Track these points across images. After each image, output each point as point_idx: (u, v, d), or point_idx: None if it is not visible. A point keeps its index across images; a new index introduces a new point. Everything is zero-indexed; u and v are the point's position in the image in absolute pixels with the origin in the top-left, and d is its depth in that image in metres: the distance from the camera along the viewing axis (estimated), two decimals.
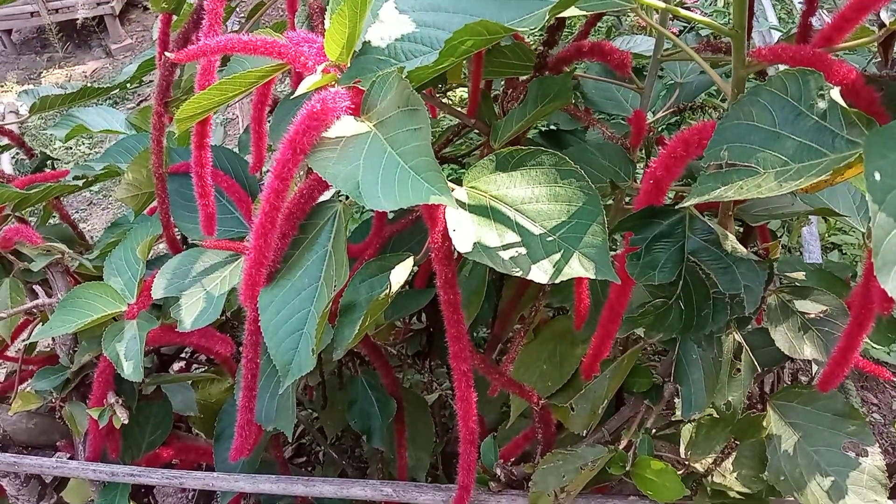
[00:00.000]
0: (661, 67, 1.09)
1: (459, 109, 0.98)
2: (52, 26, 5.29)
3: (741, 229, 1.07)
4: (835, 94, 0.53)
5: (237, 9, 1.14)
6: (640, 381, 0.83)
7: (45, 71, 5.61)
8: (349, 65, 0.62)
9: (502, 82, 1.15)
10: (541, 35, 0.94)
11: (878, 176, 0.39)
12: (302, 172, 0.76)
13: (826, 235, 2.45)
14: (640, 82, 1.02)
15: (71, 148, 4.42)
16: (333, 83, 0.62)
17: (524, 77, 0.99)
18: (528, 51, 0.97)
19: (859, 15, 0.58)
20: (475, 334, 1.66)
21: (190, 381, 1.23)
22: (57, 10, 5.57)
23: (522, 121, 0.84)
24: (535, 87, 0.86)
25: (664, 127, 2.42)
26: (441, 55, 0.54)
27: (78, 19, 5.38)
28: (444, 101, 1.84)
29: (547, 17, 0.53)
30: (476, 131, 1.08)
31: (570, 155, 0.83)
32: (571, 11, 0.63)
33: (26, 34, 6.11)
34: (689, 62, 1.08)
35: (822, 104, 0.54)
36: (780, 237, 2.09)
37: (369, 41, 0.62)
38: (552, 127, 1.21)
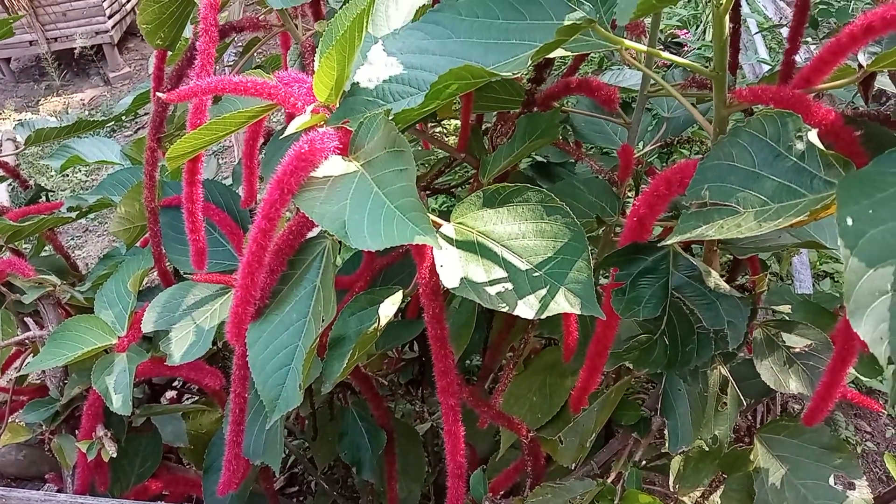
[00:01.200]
0: (649, 102, 1.11)
1: (449, 144, 0.99)
2: (48, 55, 5.33)
3: (731, 260, 1.08)
4: (812, 136, 0.54)
5: (233, 42, 1.15)
6: (629, 413, 0.83)
7: (43, 99, 5.65)
8: (338, 105, 0.63)
9: (494, 114, 1.17)
10: (530, 73, 0.96)
11: (850, 221, 0.40)
12: (294, 207, 0.77)
13: (817, 264, 2.47)
14: (629, 116, 1.03)
15: (67, 175, 4.43)
16: (322, 123, 0.63)
17: (515, 111, 1.00)
18: (518, 86, 0.99)
19: (836, 58, 0.59)
20: (468, 363, 1.67)
21: (180, 412, 1.23)
22: (56, 39, 5.62)
23: (511, 156, 0.85)
24: (524, 124, 0.87)
25: (656, 156, 2.45)
26: (427, 98, 0.55)
27: (76, 48, 5.42)
28: (438, 129, 1.86)
29: (529, 62, 0.54)
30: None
31: (557, 190, 0.85)
32: (557, 52, 0.65)
33: (25, 62, 6.16)
34: (686, 96, 1.10)
35: (800, 145, 0.55)
36: (770, 267, 2.10)
37: (358, 82, 0.63)
38: (543, 159, 1.23)
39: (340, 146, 0.60)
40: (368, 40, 0.70)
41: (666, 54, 0.62)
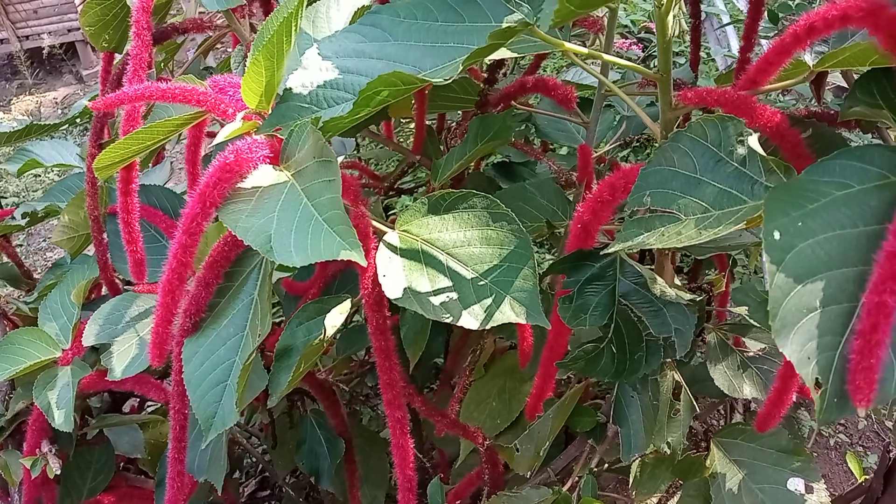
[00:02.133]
0: (610, 100, 1.09)
1: (405, 146, 0.97)
2: (20, 54, 5.24)
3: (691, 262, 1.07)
4: (752, 140, 0.53)
5: (185, 45, 1.12)
6: (585, 419, 0.82)
7: (15, 98, 5.55)
8: (270, 112, 0.61)
9: (459, 114, 1.15)
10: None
11: (777, 234, 0.38)
12: None
13: None
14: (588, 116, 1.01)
15: (39, 175, 4.36)
16: (255, 130, 0.61)
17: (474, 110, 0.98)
18: (476, 85, 0.97)
19: (781, 59, 0.58)
20: (436, 363, 1.65)
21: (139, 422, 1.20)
22: (27, 37, 5.53)
23: (462, 159, 0.83)
24: (476, 126, 0.85)
25: (630, 152, 2.43)
26: (356, 105, 0.53)
27: (45, 47, 5.34)
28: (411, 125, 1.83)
29: (460, 68, 0.52)
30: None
31: (509, 193, 0.84)
32: (500, 54, 0.63)
33: None
34: (635, 96, 1.08)
35: (741, 150, 0.54)
36: (737, 263, 2.09)
37: (290, 88, 0.60)
38: (504, 159, 1.21)
39: (271, 155, 0.58)
40: (308, 43, 0.68)
41: (607, 56, 0.60)
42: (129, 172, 0.70)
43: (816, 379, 0.37)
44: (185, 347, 0.67)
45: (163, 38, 0.86)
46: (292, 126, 0.57)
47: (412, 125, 1.09)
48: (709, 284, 0.88)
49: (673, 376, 0.74)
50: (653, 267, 0.76)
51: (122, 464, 1.20)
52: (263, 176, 0.57)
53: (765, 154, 0.51)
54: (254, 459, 1.49)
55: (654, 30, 2.88)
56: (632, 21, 3.19)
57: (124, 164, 0.65)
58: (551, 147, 1.35)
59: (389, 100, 0.55)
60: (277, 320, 0.93)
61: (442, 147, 1.07)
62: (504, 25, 0.51)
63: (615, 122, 1.26)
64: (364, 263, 0.48)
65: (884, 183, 0.40)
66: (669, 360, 0.67)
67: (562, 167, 0.98)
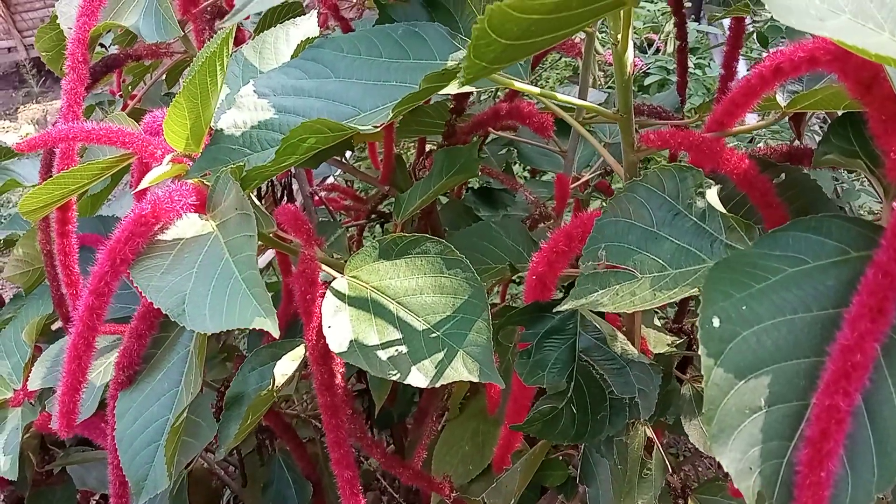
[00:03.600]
0: (590, 127, 1.05)
1: (372, 175, 0.93)
2: (27, 62, 5.26)
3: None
4: (711, 195, 0.48)
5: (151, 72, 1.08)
6: (555, 473, 0.77)
7: (21, 106, 5.57)
8: (200, 154, 0.57)
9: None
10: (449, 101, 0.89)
11: (716, 321, 0.34)
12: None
13: None
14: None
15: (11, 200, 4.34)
16: (184, 175, 0.56)
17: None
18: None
19: (749, 100, 0.53)
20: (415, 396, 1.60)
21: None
22: (34, 46, 5.54)
23: (427, 194, 0.79)
24: (441, 158, 0.80)
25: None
26: (279, 154, 0.49)
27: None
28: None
29: (390, 115, 0.48)
30: None
31: (473, 232, 0.79)
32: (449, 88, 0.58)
33: (4, 69, 6.09)
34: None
35: (700, 203, 0.49)
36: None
37: (221, 129, 0.56)
38: (485, 185, 1.17)
39: (197, 202, 0.53)
40: (254, 77, 0.64)
41: (562, 96, 0.56)
42: (65, 213, 0.67)
43: (759, 493, 0.32)
44: (119, 402, 0.63)
45: (116, 64, 0.82)
46: (218, 173, 0.53)
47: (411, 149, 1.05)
48: (691, 325, 0.83)
49: (644, 432, 0.69)
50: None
51: (92, 499, 1.17)
52: (187, 226, 0.53)
53: (724, 210, 0.47)
54: (231, 491, 1.45)
55: (657, 40, 2.82)
56: (635, 30, 3.13)
57: (52, 208, 0.61)
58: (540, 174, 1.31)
59: (319, 146, 0.51)
60: None
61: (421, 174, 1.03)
62: (441, 69, 0.47)
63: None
64: (276, 334, 0.43)
65: (842, 259, 0.35)
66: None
67: (538, 198, 0.93)
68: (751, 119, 0.79)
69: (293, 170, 1.19)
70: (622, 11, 0.45)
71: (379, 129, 0.49)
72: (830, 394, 0.32)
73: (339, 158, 0.94)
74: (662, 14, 2.93)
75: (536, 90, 0.54)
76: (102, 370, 0.79)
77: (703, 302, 0.34)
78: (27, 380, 0.85)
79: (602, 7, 0.33)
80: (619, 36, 0.51)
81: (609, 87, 1.13)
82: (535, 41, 0.34)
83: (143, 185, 0.54)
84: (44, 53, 0.91)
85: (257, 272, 0.46)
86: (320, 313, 0.61)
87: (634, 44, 3.28)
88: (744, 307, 0.34)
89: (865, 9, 0.35)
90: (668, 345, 0.79)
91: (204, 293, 0.48)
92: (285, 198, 1.33)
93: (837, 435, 0.31)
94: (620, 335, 0.60)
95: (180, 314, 0.47)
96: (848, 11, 0.35)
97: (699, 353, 0.33)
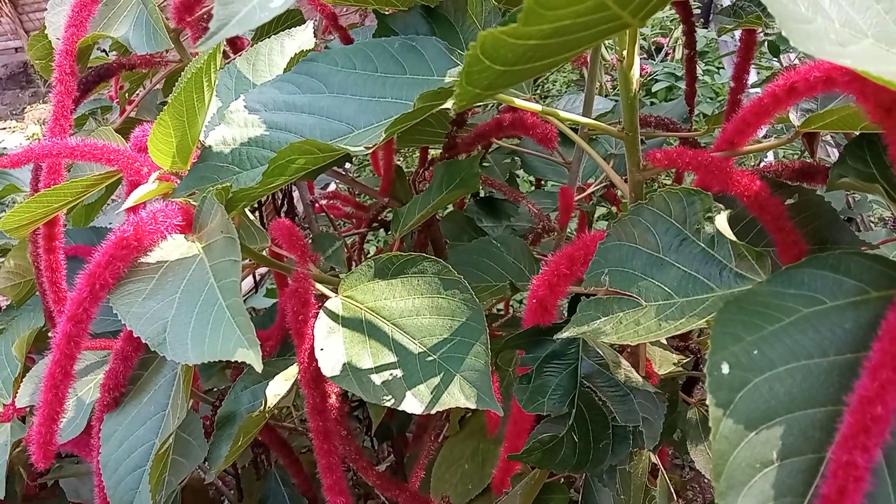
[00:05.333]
0: (595, 137, 1.02)
1: (371, 187, 0.91)
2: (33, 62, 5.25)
3: None
4: (720, 221, 0.45)
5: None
6: (556, 497, 0.74)
7: (28, 106, 5.58)
8: (187, 172, 0.55)
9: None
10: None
11: (726, 368, 0.31)
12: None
13: None
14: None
15: (7, 205, 4.34)
16: (170, 194, 0.54)
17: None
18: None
19: (760, 119, 0.50)
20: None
21: None
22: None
23: (426, 209, 0.77)
24: (441, 172, 0.78)
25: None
26: (265, 175, 0.47)
27: None
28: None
29: (383, 136, 0.45)
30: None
31: (474, 249, 0.77)
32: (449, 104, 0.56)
33: (11, 69, 6.09)
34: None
35: (709, 228, 0.47)
36: None
37: (210, 146, 0.54)
38: (489, 194, 1.14)
39: (183, 223, 0.51)
40: (247, 90, 0.62)
41: (564, 114, 0.53)
42: (52, 229, 0.65)
43: None
44: (105, 425, 0.61)
45: (108, 75, 0.80)
46: (204, 192, 0.50)
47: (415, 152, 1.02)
48: (698, 345, 0.81)
49: (649, 458, 0.66)
50: None
51: None
52: (172, 247, 0.51)
53: (734, 237, 0.44)
54: (229, 502, 1.43)
55: (666, 45, 2.79)
56: (644, 35, 3.10)
57: (36, 225, 0.60)
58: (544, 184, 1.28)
59: (309, 167, 0.48)
60: None
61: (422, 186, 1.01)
62: (437, 88, 0.45)
63: (604, 158, 1.19)
64: (259, 368, 0.41)
65: (861, 299, 0.33)
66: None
67: (541, 210, 0.91)
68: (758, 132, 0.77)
69: None
70: (628, 30, 0.43)
71: (372, 149, 0.47)
72: (848, 449, 0.29)
73: (338, 169, 0.92)
74: (671, 20, 2.90)
75: (538, 107, 0.52)
76: (92, 386, 0.77)
77: (711, 346, 0.32)
78: (16, 395, 0.83)
79: (603, 31, 0.30)
80: (625, 52, 0.49)
81: (616, 96, 1.10)
82: (532, 66, 0.32)
83: (128, 204, 0.52)
84: (37, 62, 0.89)
85: (241, 300, 0.44)
86: (313, 335, 0.59)
87: (643, 48, 3.24)
88: (755, 351, 0.32)
89: (890, 32, 0.33)
90: (675, 364, 0.76)
91: (186, 321, 0.45)
92: (286, 206, 1.31)
93: (856, 494, 0.29)
94: (624, 361, 0.57)
95: (161, 343, 0.45)
96: (871, 35, 0.32)
97: (706, 402, 0.30)
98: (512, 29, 0.27)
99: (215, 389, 0.97)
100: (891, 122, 0.40)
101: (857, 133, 0.49)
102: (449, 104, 0.50)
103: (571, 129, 0.89)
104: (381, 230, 1.27)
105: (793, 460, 0.31)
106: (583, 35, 0.30)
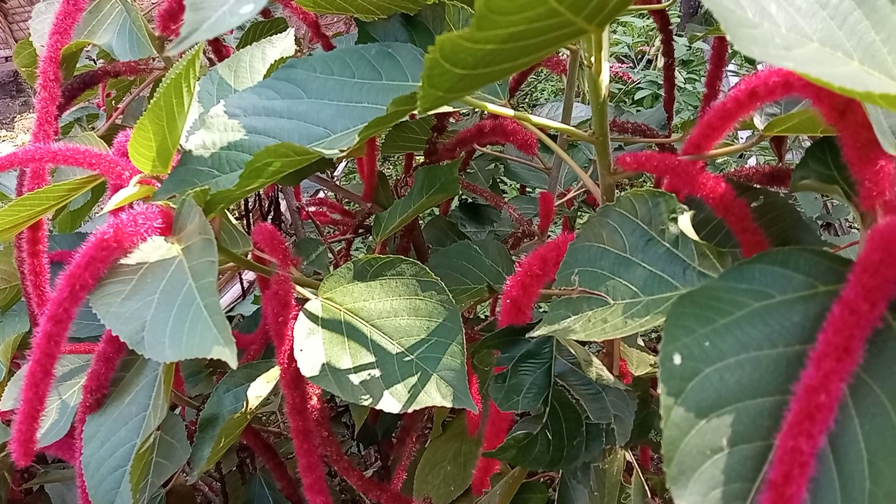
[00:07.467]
0: (575, 144, 1.04)
1: (355, 192, 0.92)
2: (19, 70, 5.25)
3: None
4: (684, 221, 0.47)
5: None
6: (535, 496, 0.75)
7: (18, 115, 5.57)
8: (168, 176, 0.56)
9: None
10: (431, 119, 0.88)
11: (677, 359, 0.33)
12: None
13: None
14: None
15: None
16: (151, 197, 0.56)
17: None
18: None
19: (725, 124, 0.52)
20: None
21: None
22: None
23: (406, 213, 0.78)
24: (421, 177, 0.80)
25: None
26: (242, 178, 0.48)
27: None
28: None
29: (356, 139, 0.47)
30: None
31: (453, 252, 0.78)
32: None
33: (2, 78, 6.09)
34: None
35: (673, 229, 0.48)
36: None
37: (190, 150, 0.55)
38: (472, 199, 1.16)
39: (163, 225, 0.52)
40: (229, 95, 0.63)
41: (536, 119, 0.55)
42: (36, 233, 0.66)
43: None
44: (87, 426, 0.62)
45: (93, 82, 0.81)
46: (183, 195, 0.52)
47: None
48: None
49: (623, 455, 0.67)
50: None
51: None
52: (152, 249, 0.52)
53: (696, 237, 0.46)
54: None
55: (647, 54, 2.82)
56: (628, 44, 3.13)
57: (19, 230, 0.60)
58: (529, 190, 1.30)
59: (286, 169, 0.50)
60: None
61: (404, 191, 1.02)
62: (410, 92, 0.46)
63: (585, 165, 1.21)
64: (234, 365, 0.42)
65: (809, 293, 0.34)
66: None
67: (522, 215, 0.92)
68: (743, 135, 0.78)
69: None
70: (592, 36, 0.44)
71: (347, 152, 0.48)
72: (794, 435, 0.30)
73: (323, 176, 0.93)
74: (652, 30, 2.92)
75: (510, 112, 0.53)
76: (77, 389, 0.78)
77: (664, 337, 0.33)
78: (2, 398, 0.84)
79: (560, 36, 0.32)
80: (593, 59, 0.51)
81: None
82: (493, 70, 0.33)
83: (109, 208, 0.54)
84: (23, 69, 0.90)
85: (217, 299, 0.45)
86: (292, 336, 0.60)
87: (627, 56, 3.27)
88: (707, 343, 0.33)
89: (834, 37, 0.34)
90: (651, 365, 0.77)
91: (165, 320, 0.47)
92: (273, 213, 1.32)
93: (801, 478, 0.30)
94: (596, 360, 0.59)
95: (139, 342, 0.46)
96: (816, 39, 0.34)
97: (658, 391, 0.32)
98: (468, 33, 0.28)
99: (201, 395, 0.97)
100: (845, 124, 0.42)
101: (819, 136, 0.51)
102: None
103: (551, 135, 0.91)
104: (369, 236, 1.29)
105: (742, 447, 0.32)
106: (540, 40, 0.31)
